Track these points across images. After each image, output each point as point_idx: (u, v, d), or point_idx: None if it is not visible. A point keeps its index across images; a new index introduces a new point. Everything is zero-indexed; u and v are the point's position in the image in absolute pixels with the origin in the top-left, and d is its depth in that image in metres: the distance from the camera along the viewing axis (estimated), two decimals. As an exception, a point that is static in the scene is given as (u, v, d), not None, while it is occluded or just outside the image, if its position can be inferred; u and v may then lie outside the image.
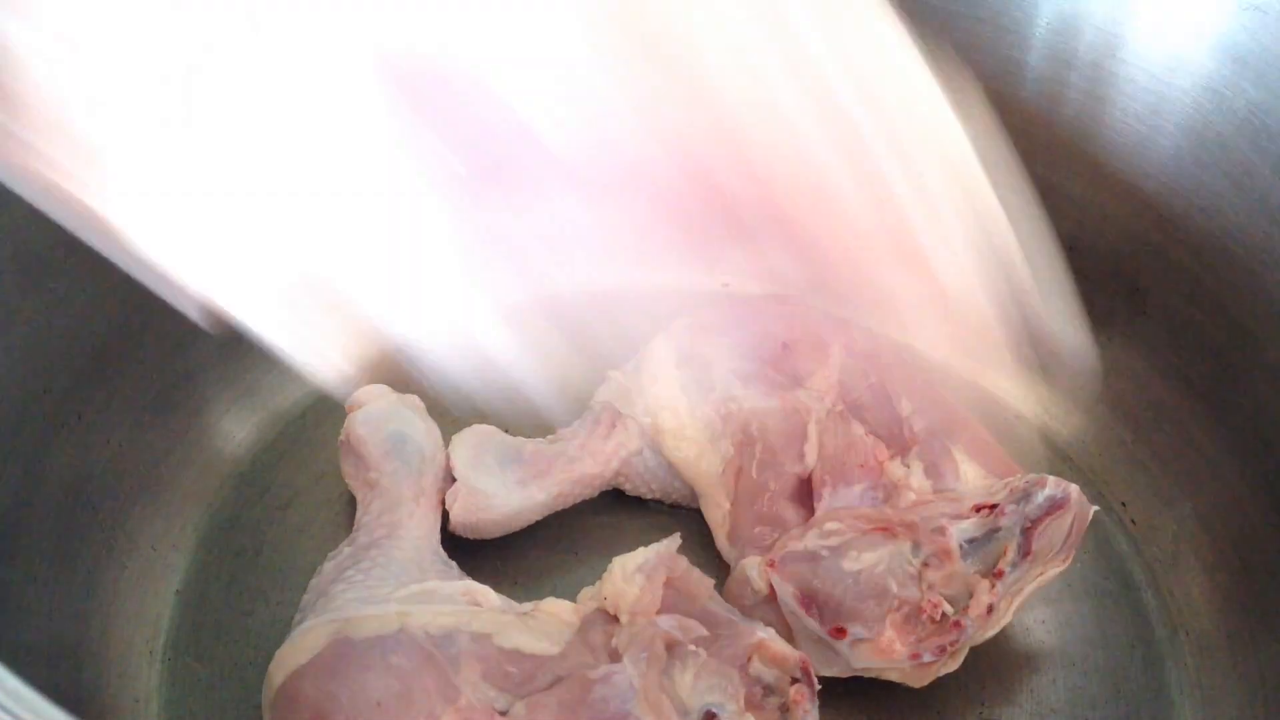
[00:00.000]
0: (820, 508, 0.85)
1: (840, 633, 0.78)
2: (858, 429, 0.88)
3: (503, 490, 0.86)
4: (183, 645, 0.85)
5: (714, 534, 0.89)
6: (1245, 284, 0.89)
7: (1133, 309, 0.96)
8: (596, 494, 0.90)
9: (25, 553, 0.78)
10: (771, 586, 0.81)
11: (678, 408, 0.89)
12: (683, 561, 0.80)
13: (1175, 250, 0.92)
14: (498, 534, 0.87)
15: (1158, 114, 0.90)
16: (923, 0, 0.94)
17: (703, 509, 0.89)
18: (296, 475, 0.93)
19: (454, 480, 0.87)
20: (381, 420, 0.87)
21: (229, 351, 0.93)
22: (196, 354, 0.91)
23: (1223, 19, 0.87)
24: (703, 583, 0.80)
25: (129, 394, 0.86)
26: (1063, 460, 0.97)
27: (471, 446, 0.87)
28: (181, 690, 0.83)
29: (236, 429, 0.94)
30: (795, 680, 0.75)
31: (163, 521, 0.88)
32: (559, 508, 0.89)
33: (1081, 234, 0.97)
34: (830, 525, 0.82)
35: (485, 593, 0.80)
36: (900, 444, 0.88)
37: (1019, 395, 1.01)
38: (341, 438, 0.89)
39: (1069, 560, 0.81)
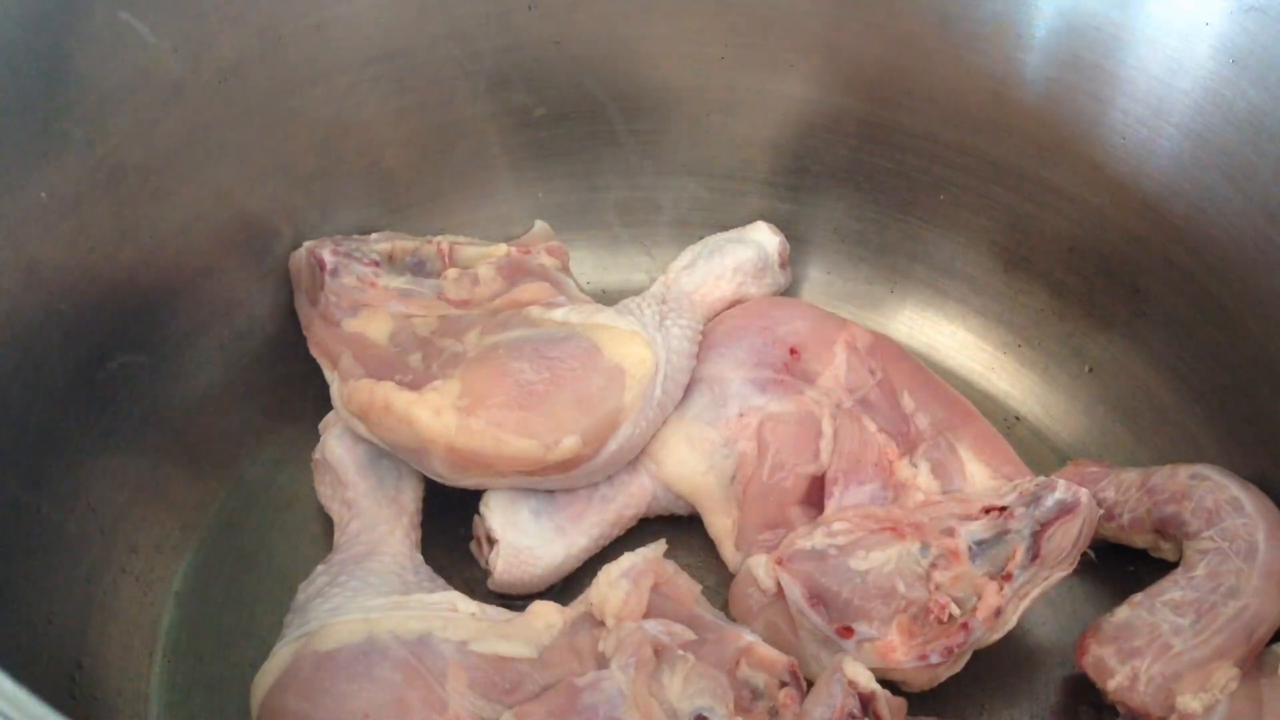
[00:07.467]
0: (830, 506, 0.86)
1: (847, 632, 0.78)
2: (870, 425, 0.88)
3: (543, 542, 0.86)
4: (183, 646, 0.85)
5: (719, 545, 0.89)
6: (1245, 284, 0.89)
7: (1133, 310, 0.96)
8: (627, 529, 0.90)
9: (25, 555, 0.77)
10: (779, 585, 0.81)
11: (677, 444, 0.89)
12: (670, 566, 0.80)
13: (1175, 251, 0.93)
14: (543, 587, 0.87)
15: (1158, 115, 0.90)
16: (924, 1, 0.94)
17: (706, 524, 0.90)
18: (296, 477, 0.92)
19: (490, 540, 0.86)
20: (357, 437, 0.87)
21: (229, 353, 0.93)
22: (196, 356, 0.91)
23: (1223, 20, 0.87)
24: (690, 587, 0.80)
25: (128, 396, 0.86)
26: (1063, 461, 0.97)
27: (504, 507, 0.86)
28: (181, 691, 0.83)
29: (236, 431, 0.93)
30: (784, 684, 0.75)
31: (162, 523, 0.88)
32: (598, 549, 0.88)
33: (1081, 235, 0.97)
34: (838, 525, 0.82)
35: (463, 600, 0.80)
36: (907, 441, 0.88)
37: (1019, 395, 1.01)
38: (316, 456, 0.89)
39: (1075, 564, 0.81)
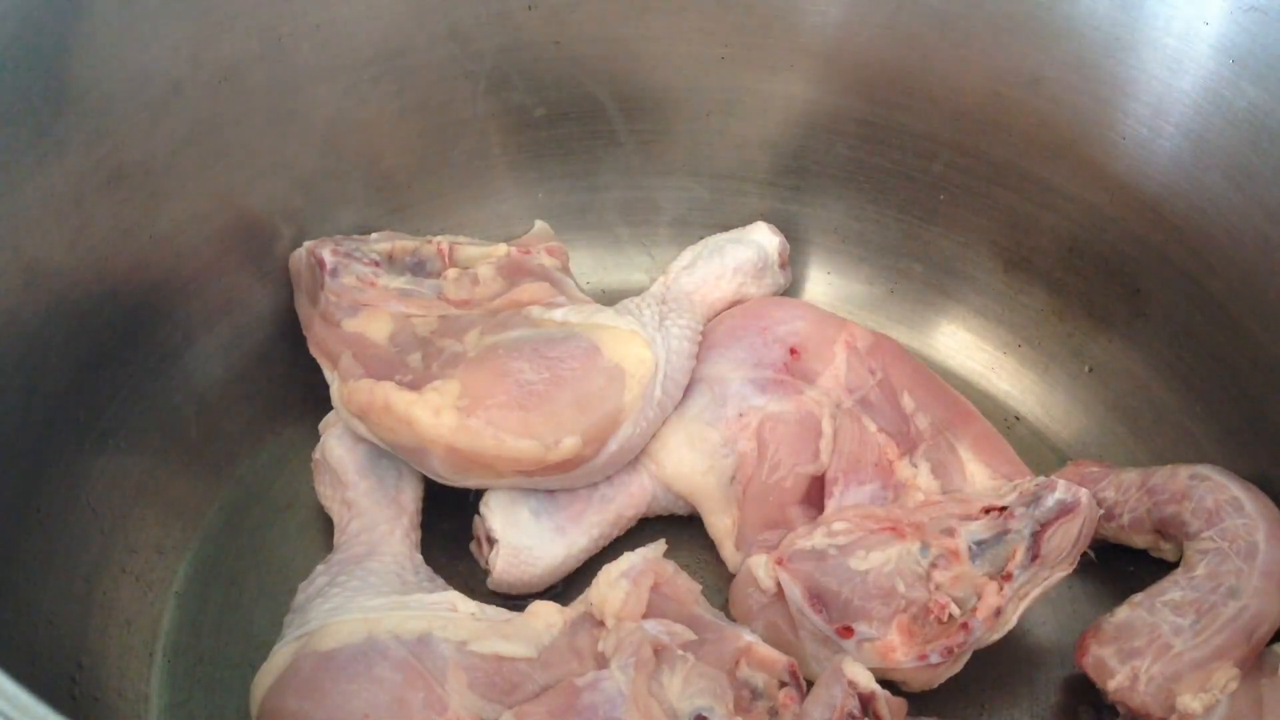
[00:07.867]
0: (830, 506, 0.86)
1: (848, 632, 0.79)
2: (870, 425, 0.88)
3: (543, 542, 0.86)
4: (183, 646, 0.85)
5: (719, 546, 0.89)
6: (1245, 284, 0.89)
7: (1133, 310, 0.96)
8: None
9: (25, 555, 0.77)
10: (779, 585, 0.81)
11: (676, 444, 0.89)
12: (670, 566, 0.80)
13: (1175, 251, 0.93)
14: (543, 587, 0.87)
15: (1158, 115, 0.91)
16: (924, 2, 0.94)
17: (706, 525, 0.90)
18: (296, 478, 0.92)
19: (490, 539, 0.86)
20: (357, 437, 0.87)
21: (229, 353, 0.93)
22: (196, 356, 0.91)
23: (1223, 20, 0.87)
24: (690, 587, 0.80)
25: (128, 396, 0.86)
26: (1063, 461, 0.97)
27: (504, 507, 0.86)
28: (181, 691, 0.83)
29: (236, 431, 0.93)
30: (784, 684, 0.75)
31: (163, 523, 0.88)
32: (598, 549, 0.88)
33: (1081, 235, 0.97)
34: (838, 524, 0.82)
35: (463, 600, 0.80)
36: (908, 442, 0.88)
37: (1019, 395, 1.01)
38: (316, 456, 0.89)
39: (1075, 564, 0.81)
